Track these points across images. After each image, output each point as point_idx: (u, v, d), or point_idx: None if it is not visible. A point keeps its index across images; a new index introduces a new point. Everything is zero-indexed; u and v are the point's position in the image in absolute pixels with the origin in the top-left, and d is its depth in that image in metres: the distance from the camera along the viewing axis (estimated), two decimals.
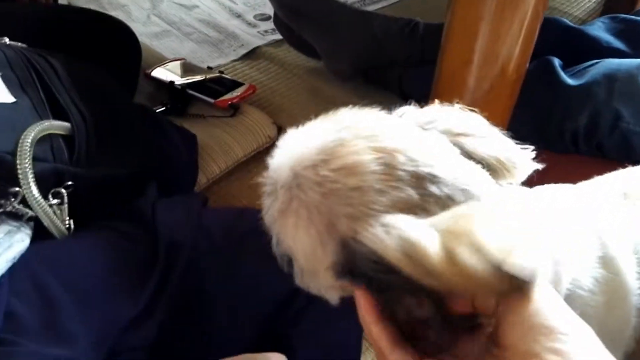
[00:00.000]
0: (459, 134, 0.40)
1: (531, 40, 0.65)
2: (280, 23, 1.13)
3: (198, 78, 1.04)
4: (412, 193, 0.35)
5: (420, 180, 0.35)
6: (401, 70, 1.06)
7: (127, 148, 0.61)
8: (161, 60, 1.08)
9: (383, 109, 0.43)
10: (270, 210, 0.40)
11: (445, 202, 0.35)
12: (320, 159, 0.37)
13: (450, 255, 0.30)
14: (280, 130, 1.01)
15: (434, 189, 0.35)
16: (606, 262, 0.42)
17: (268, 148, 0.99)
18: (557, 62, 0.87)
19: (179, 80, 1.01)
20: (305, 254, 0.38)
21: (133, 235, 0.53)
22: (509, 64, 0.65)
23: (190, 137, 0.85)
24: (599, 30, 0.95)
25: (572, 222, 0.44)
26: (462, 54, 0.66)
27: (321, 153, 0.37)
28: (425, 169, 0.36)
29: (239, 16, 1.32)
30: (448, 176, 0.36)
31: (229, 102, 0.97)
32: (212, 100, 0.98)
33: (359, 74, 1.11)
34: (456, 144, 0.40)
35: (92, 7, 1.28)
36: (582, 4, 1.48)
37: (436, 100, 0.44)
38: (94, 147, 0.53)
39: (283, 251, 0.40)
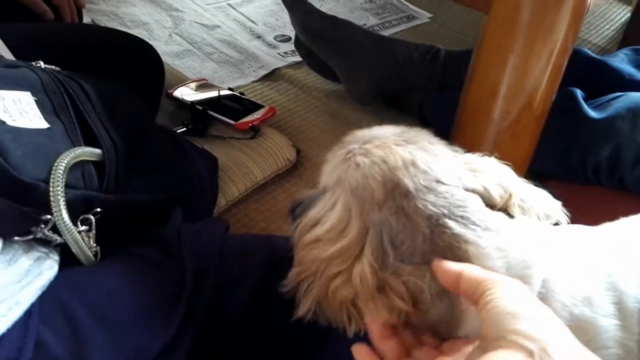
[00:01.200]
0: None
1: (558, 75, 0.65)
2: (300, 45, 1.14)
3: (219, 99, 1.05)
4: (387, 184, 0.41)
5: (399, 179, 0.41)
6: (421, 96, 1.07)
7: (155, 173, 0.61)
8: (183, 80, 1.09)
9: None
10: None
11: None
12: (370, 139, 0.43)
13: None
14: (299, 153, 1.01)
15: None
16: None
17: (287, 171, 1.00)
18: (579, 93, 0.87)
19: (200, 101, 1.02)
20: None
21: (159, 262, 0.53)
22: (535, 98, 0.66)
23: (211, 160, 0.85)
24: (622, 62, 0.95)
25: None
26: (488, 86, 0.66)
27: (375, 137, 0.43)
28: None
29: (259, 37, 1.33)
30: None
31: (250, 125, 0.98)
32: (232, 122, 0.98)
33: (379, 99, 1.11)
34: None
35: (115, 24, 1.30)
36: (602, 32, 1.48)
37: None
38: (123, 173, 0.53)
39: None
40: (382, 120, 1.11)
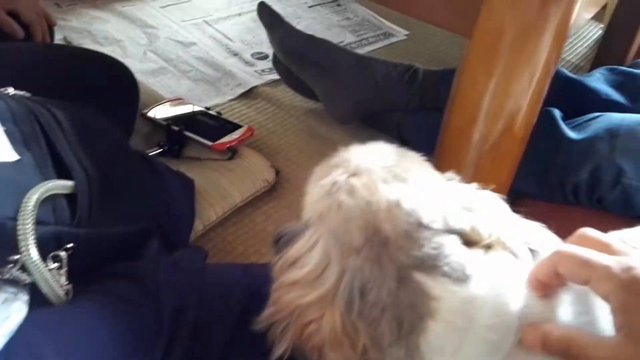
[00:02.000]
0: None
1: (540, 99, 0.65)
2: (279, 64, 1.13)
3: (195, 119, 1.03)
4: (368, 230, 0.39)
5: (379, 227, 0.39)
6: (400, 116, 1.06)
7: (130, 203, 0.59)
8: (158, 100, 1.07)
9: None
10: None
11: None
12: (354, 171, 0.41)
13: None
14: (278, 173, 0.99)
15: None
16: None
17: (265, 193, 0.98)
18: (558, 114, 0.87)
19: (176, 121, 1.00)
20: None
21: (134, 300, 0.50)
22: (517, 122, 0.65)
23: (188, 183, 0.83)
24: (598, 82, 0.95)
25: None
26: (470, 110, 0.66)
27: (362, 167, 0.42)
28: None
29: (236, 54, 1.31)
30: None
31: (227, 145, 0.96)
32: (209, 143, 0.96)
33: (358, 118, 1.10)
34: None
35: (87, 42, 1.27)
36: (576, 49, 1.51)
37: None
38: (97, 205, 0.51)
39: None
40: (361, 140, 1.10)
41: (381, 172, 0.41)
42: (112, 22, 1.37)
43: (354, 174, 0.42)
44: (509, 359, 0.38)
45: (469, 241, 0.40)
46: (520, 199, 0.92)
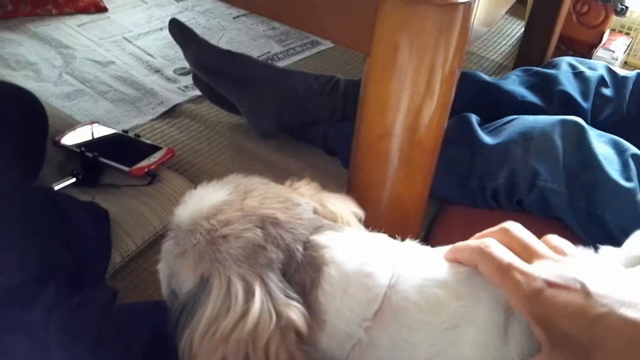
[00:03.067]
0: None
1: (445, 111, 0.65)
2: (199, 81, 1.10)
3: (112, 143, 0.99)
4: (258, 232, 0.45)
5: (264, 220, 0.46)
6: (325, 127, 1.05)
7: (23, 249, 0.55)
8: (72, 125, 1.02)
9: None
10: (170, 255, 0.48)
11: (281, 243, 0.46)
12: (212, 212, 0.46)
13: None
14: None
15: (271, 229, 0.46)
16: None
17: None
18: (474, 119, 0.88)
19: (91, 147, 0.95)
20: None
21: (23, 355, 0.47)
22: (424, 136, 0.65)
23: (101, 215, 0.79)
24: (514, 84, 0.97)
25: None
26: (376, 127, 0.65)
27: (212, 208, 0.47)
28: (268, 212, 0.47)
29: (157, 71, 1.28)
30: (286, 220, 0.47)
31: (146, 170, 0.93)
32: (127, 169, 0.92)
33: (283, 132, 1.09)
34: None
35: None
36: (499, 47, 1.53)
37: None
38: None
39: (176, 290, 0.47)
40: (289, 153, 1.09)
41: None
42: (26, 45, 1.31)
43: (210, 218, 0.46)
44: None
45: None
46: (445, 205, 0.93)
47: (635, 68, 1.55)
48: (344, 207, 0.54)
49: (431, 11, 0.56)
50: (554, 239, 0.45)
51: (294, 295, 0.44)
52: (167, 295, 0.51)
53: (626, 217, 0.74)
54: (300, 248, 0.46)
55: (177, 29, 1.01)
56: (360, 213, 0.56)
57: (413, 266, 0.47)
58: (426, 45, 0.58)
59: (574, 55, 1.39)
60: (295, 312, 0.43)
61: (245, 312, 0.42)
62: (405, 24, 0.56)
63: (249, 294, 0.42)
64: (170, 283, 0.49)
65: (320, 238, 0.48)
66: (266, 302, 0.42)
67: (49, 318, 0.50)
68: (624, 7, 1.31)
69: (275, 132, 1.07)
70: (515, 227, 0.45)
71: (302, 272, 0.45)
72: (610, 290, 0.39)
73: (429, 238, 0.91)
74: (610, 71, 0.96)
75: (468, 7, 0.57)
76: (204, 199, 0.48)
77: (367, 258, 0.47)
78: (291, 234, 0.46)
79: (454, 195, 0.88)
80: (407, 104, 0.62)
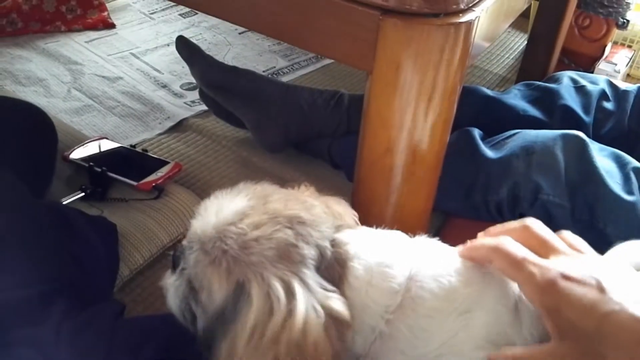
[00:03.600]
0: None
1: (447, 127, 0.66)
2: (205, 96, 1.12)
3: (120, 158, 1.00)
4: (289, 232, 0.46)
5: (291, 221, 0.47)
6: (329, 141, 1.07)
7: (32, 264, 0.57)
8: (81, 140, 1.04)
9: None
10: (200, 265, 0.47)
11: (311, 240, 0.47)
12: (237, 218, 0.46)
13: None
14: None
15: (300, 229, 0.47)
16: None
17: None
18: (477, 133, 0.89)
19: (99, 162, 0.97)
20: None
21: None
22: (427, 152, 0.66)
23: (109, 229, 0.81)
24: (516, 98, 0.98)
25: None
26: (379, 143, 0.66)
27: (237, 214, 0.47)
28: (293, 212, 0.48)
29: (164, 86, 1.30)
30: (310, 219, 0.48)
31: (153, 184, 0.94)
32: (134, 183, 0.94)
33: (288, 146, 1.10)
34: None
35: (7, 83, 1.24)
36: (502, 61, 1.55)
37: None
38: None
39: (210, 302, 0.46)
40: (294, 167, 1.11)
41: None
42: (35, 61, 1.33)
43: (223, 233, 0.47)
44: None
45: None
46: (449, 217, 0.94)
47: (638, 80, 1.56)
48: (344, 208, 0.56)
49: (432, 31, 0.57)
50: (570, 236, 0.47)
51: (331, 287, 0.45)
52: (181, 311, 0.51)
53: (628, 230, 0.74)
54: (328, 245, 0.47)
55: (184, 45, 1.03)
56: (355, 214, 0.58)
57: (429, 259, 0.50)
58: (427, 64, 0.59)
59: (576, 68, 1.40)
60: (337, 303, 0.44)
61: (290, 312, 0.42)
62: (406, 43, 0.58)
63: (289, 294, 0.43)
64: (192, 297, 0.49)
65: (342, 236, 0.49)
66: (309, 299, 0.43)
67: (58, 334, 0.51)
68: (625, 20, 1.32)
69: (281, 146, 1.09)
70: (534, 224, 0.48)
71: (331, 268, 0.47)
72: (625, 288, 0.41)
73: None
74: (612, 85, 0.97)
75: (468, 25, 0.58)
76: (224, 207, 0.48)
77: (387, 252, 0.49)
78: (318, 232, 0.48)
79: (458, 209, 0.89)
80: (410, 121, 0.63)
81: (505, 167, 0.82)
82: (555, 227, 0.82)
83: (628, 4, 1.30)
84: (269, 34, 0.71)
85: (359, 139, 0.70)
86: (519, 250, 0.44)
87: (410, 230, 0.75)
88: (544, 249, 0.44)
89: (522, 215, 0.84)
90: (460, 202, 0.87)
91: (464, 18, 0.57)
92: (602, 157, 0.81)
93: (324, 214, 0.51)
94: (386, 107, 0.62)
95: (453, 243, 0.91)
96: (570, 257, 0.44)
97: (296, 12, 0.63)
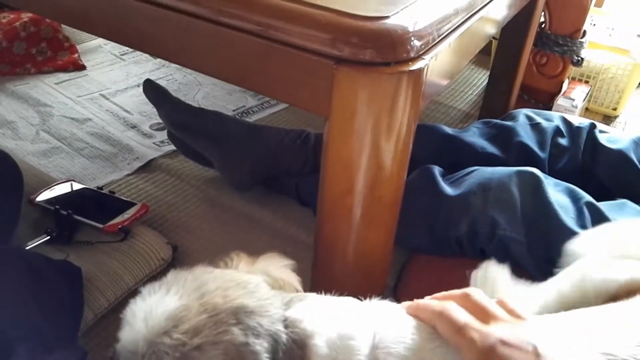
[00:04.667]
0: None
1: (403, 167, 0.68)
2: (173, 137, 1.13)
3: (86, 200, 1.01)
4: (236, 331, 0.41)
5: (236, 314, 0.42)
6: (297, 179, 1.09)
7: None
8: (48, 183, 1.04)
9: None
10: None
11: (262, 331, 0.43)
12: (171, 324, 0.40)
13: None
14: (176, 249, 0.98)
15: (248, 321, 0.42)
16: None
17: (163, 270, 0.96)
18: (437, 171, 0.91)
19: (65, 205, 0.97)
20: None
21: None
22: (384, 192, 0.68)
23: (74, 273, 0.81)
24: (474, 136, 1.01)
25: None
26: (338, 184, 0.68)
27: (170, 320, 0.41)
28: (236, 303, 0.43)
29: (134, 127, 1.31)
30: (257, 306, 0.44)
31: (119, 226, 0.94)
32: (100, 226, 0.94)
33: (257, 184, 1.12)
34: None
35: None
36: (465, 97, 1.60)
37: None
38: None
39: None
40: (262, 205, 1.12)
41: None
42: (4, 103, 1.33)
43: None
44: None
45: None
46: (414, 254, 0.96)
47: (596, 114, 1.62)
48: (286, 273, 0.53)
49: (383, 79, 0.60)
50: (510, 302, 0.49)
51: None
52: None
53: None
54: (281, 328, 0.44)
55: (151, 89, 1.05)
56: (299, 279, 0.55)
57: (387, 321, 0.49)
58: (381, 109, 0.61)
59: (536, 103, 1.46)
60: None
61: None
62: (360, 91, 0.60)
63: None
64: None
65: (295, 313, 0.46)
66: None
67: None
68: (580, 58, 1.38)
69: (249, 184, 1.10)
70: (475, 292, 0.50)
71: (290, 352, 0.43)
72: (560, 353, 0.43)
73: (399, 285, 0.93)
74: (566, 121, 1.01)
75: (418, 73, 0.61)
76: (153, 312, 0.41)
77: (346, 322, 0.47)
78: (268, 318, 0.43)
79: (422, 245, 0.91)
80: (367, 163, 0.65)
81: (464, 204, 0.84)
82: (513, 262, 0.85)
83: (582, 43, 1.37)
84: (230, 81, 0.73)
85: (320, 179, 0.72)
86: (462, 316, 0.46)
87: (373, 267, 0.77)
88: (484, 316, 0.47)
89: (482, 250, 0.87)
90: (423, 238, 0.90)
91: (414, 66, 0.60)
92: (557, 192, 0.84)
93: (269, 292, 0.47)
94: (344, 150, 0.64)
95: (418, 279, 0.93)
96: (509, 324, 0.46)
97: (256, 61, 0.65)
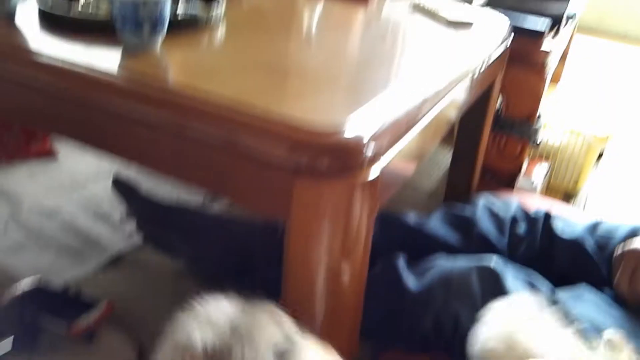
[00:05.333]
0: None
1: (363, 267, 0.70)
2: (142, 229, 1.14)
3: (51, 301, 1.00)
4: None
5: None
6: (266, 270, 1.09)
7: None
8: (14, 280, 1.03)
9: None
10: None
11: None
12: None
13: None
14: (143, 348, 0.97)
15: None
16: None
17: None
18: (401, 263, 0.93)
19: (30, 307, 0.96)
20: None
21: None
22: (344, 297, 0.70)
23: None
24: (436, 226, 1.04)
25: None
26: (300, 288, 0.69)
27: None
28: None
29: (103, 218, 1.31)
30: None
31: (84, 329, 0.93)
32: (65, 329, 0.93)
33: (225, 276, 1.12)
34: None
35: None
36: (431, 175, 1.64)
37: None
38: None
39: None
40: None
41: None
42: None
43: None
44: None
45: None
46: (383, 350, 0.96)
47: (558, 191, 1.68)
48: None
49: (338, 188, 0.63)
50: None
51: None
52: None
53: None
54: None
55: (120, 186, 1.07)
56: None
57: None
58: (338, 216, 0.64)
59: (498, 183, 1.51)
60: None
61: None
62: (317, 198, 0.63)
63: None
64: None
65: None
66: None
67: None
68: (537, 140, 1.45)
69: (218, 277, 1.10)
70: None
71: None
72: None
73: None
74: (522, 211, 1.04)
75: (374, 181, 0.64)
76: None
77: None
78: None
79: (389, 340, 0.91)
80: (327, 265, 0.67)
81: (427, 299, 0.86)
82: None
83: (537, 127, 1.44)
84: (194, 184, 0.75)
85: (283, 280, 0.73)
86: None
87: None
88: None
89: (446, 344, 0.87)
90: (390, 333, 0.90)
91: (369, 173, 0.63)
92: (516, 283, 0.86)
93: None
94: (305, 254, 0.66)
95: None
96: None
97: (218, 169, 0.68)
